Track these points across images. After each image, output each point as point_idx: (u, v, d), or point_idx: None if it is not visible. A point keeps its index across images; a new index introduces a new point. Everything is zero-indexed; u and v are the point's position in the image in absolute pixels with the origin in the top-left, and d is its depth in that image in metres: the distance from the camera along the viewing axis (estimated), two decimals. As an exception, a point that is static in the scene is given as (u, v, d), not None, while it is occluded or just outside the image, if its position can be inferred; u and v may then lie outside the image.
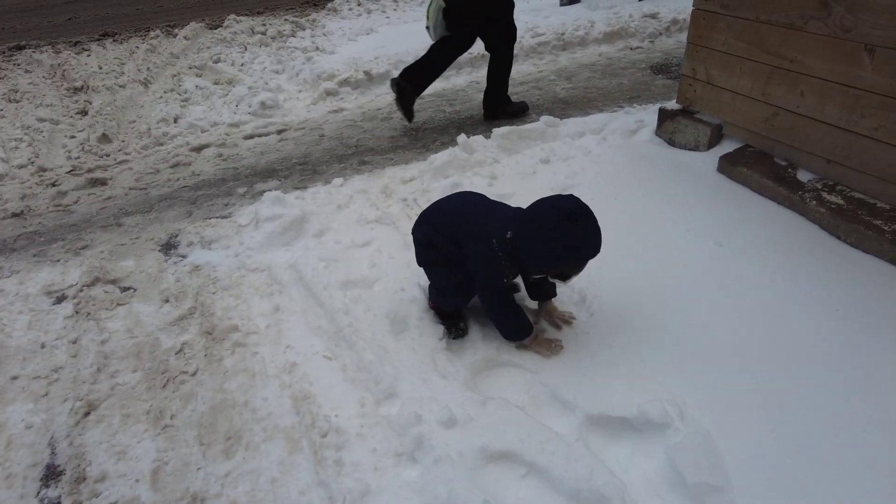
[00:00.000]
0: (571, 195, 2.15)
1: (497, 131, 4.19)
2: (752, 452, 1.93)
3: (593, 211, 2.13)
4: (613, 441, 2.05)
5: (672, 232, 3.05)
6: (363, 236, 3.21)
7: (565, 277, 2.20)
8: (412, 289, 2.72)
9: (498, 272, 2.26)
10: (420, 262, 2.54)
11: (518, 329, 2.35)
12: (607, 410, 2.08)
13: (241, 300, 2.89)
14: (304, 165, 4.43)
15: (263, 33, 7.80)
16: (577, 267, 2.15)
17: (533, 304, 2.60)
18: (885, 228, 2.77)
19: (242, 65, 6.71)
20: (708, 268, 2.76)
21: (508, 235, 2.16)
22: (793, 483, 1.84)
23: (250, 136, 4.98)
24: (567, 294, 2.64)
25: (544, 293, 2.51)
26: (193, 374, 2.47)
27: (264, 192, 4.01)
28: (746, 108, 3.45)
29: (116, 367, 2.53)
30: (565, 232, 2.03)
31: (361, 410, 2.18)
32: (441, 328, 2.49)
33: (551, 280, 2.35)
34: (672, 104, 3.97)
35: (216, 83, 6.26)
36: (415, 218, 3.49)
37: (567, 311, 2.56)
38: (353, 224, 3.35)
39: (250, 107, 5.37)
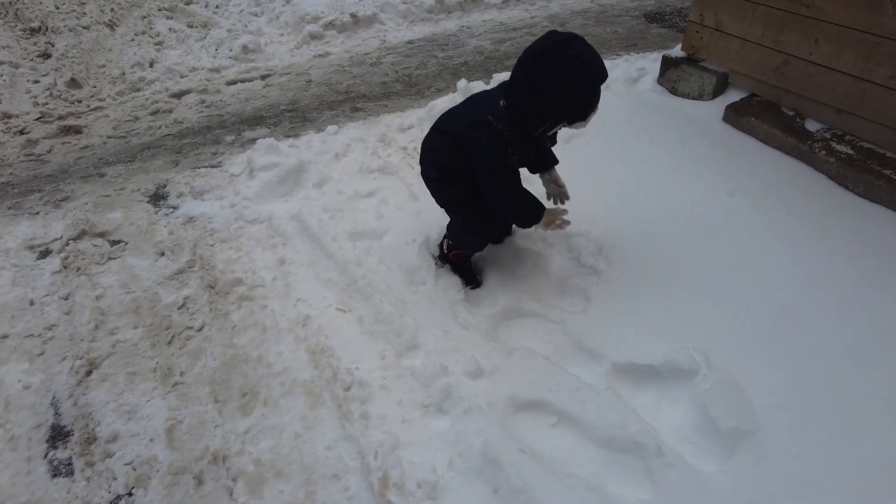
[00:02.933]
0: (548, 31, 1.95)
1: (498, 76, 4.04)
2: (778, 398, 1.94)
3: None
4: (640, 389, 2.05)
5: (684, 182, 3.00)
6: (366, 186, 3.09)
7: (585, 115, 1.97)
8: (423, 240, 2.64)
9: (502, 154, 2.04)
10: (439, 202, 2.40)
11: (533, 212, 2.20)
12: (634, 358, 2.07)
13: (243, 252, 2.76)
14: (293, 112, 4.22)
15: (236, -28, 7.33)
16: (592, 97, 1.93)
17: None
18: (895, 178, 2.78)
19: (217, 7, 6.30)
20: (722, 217, 2.73)
21: (502, 104, 2.02)
22: (820, 427, 1.86)
23: (233, 82, 4.72)
24: (583, 245, 2.59)
25: (547, 160, 2.38)
26: (200, 330, 2.37)
27: (254, 139, 3.83)
28: (756, 56, 3.38)
29: (115, 324, 2.41)
30: (565, 61, 1.82)
31: (383, 363, 2.12)
32: (458, 280, 2.42)
33: (571, 127, 2.04)
34: (676, 52, 3.87)
35: (190, 26, 5.89)
36: (417, 168, 3.40)
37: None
38: (354, 174, 3.21)
39: (231, 51, 5.07)
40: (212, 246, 2.82)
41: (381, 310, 2.28)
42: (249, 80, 4.75)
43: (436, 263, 2.51)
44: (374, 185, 3.10)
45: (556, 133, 2.18)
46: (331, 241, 2.65)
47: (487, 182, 2.12)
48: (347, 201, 2.95)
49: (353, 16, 5.49)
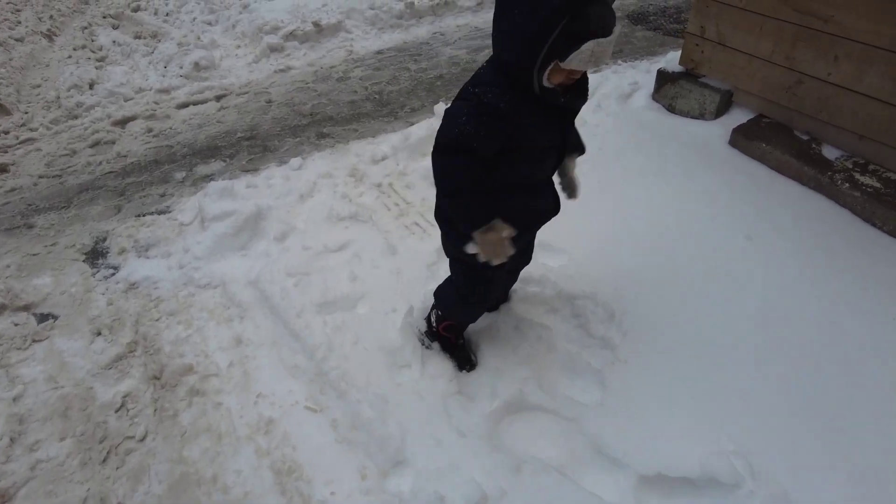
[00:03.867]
0: None
1: (477, 98, 3.66)
2: (838, 515, 1.64)
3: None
4: (673, 506, 1.71)
5: (696, 224, 2.68)
6: (336, 237, 2.70)
7: (576, 35, 1.33)
8: (406, 310, 2.26)
9: (468, 120, 1.46)
10: (447, 250, 1.93)
11: (473, 211, 1.56)
12: (664, 469, 1.74)
13: (193, 329, 2.36)
14: (251, 140, 3.79)
15: (188, -26, 6.78)
16: (599, 18, 1.34)
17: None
18: (930, 216, 2.49)
19: (167, 14, 5.78)
20: (743, 269, 2.42)
21: (484, 66, 1.55)
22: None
23: (184, 105, 4.24)
24: (590, 310, 2.25)
25: (570, 145, 1.77)
26: (142, 440, 1.97)
27: (207, 176, 3.40)
28: (765, 73, 3.06)
29: (37, 436, 1.99)
30: None
31: (364, 485, 1.75)
32: (449, 364, 2.06)
33: (569, 65, 1.38)
34: (673, 66, 3.54)
35: (138, 37, 5.37)
36: (395, 209, 3.01)
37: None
38: (322, 221, 2.81)
39: (182, 68, 4.58)
40: (157, 321, 2.41)
41: (358, 412, 1.91)
42: (203, 102, 4.28)
43: (422, 342, 2.13)
44: (346, 236, 2.70)
45: (572, 88, 1.51)
46: (296, 316, 2.25)
47: (433, 151, 1.55)
48: (314, 259, 2.55)
49: (315, 24, 5.03)
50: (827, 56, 2.76)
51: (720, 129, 3.26)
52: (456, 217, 1.68)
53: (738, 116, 3.27)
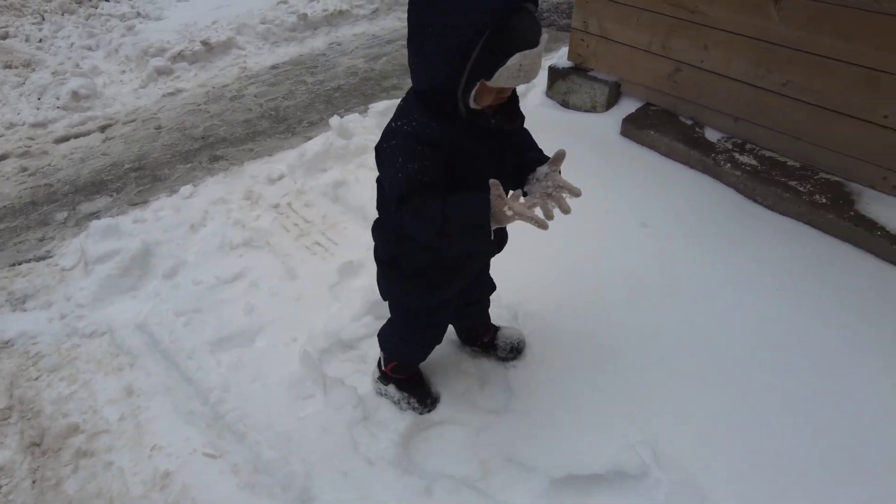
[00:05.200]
0: None
1: (375, 107, 3.61)
2: (737, 489, 1.69)
3: None
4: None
5: (592, 213, 2.71)
6: (230, 268, 2.56)
7: (501, 49, 1.20)
8: (306, 338, 2.17)
9: (405, 157, 1.33)
10: (383, 294, 1.74)
11: (473, 209, 1.32)
12: (574, 469, 1.74)
13: (79, 384, 2.17)
14: (140, 171, 3.57)
15: (64, -4, 6.35)
16: (523, 28, 1.20)
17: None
18: (802, 189, 2.64)
19: (41, 41, 5.37)
20: (640, 257, 2.48)
21: (405, 97, 1.42)
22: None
23: (64, 139, 3.95)
24: (495, 312, 2.23)
25: (527, 162, 1.51)
26: (19, 518, 1.78)
27: (92, 214, 3.17)
28: (646, 63, 3.16)
29: None
30: None
31: (269, 531, 1.65)
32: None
33: (494, 83, 1.25)
34: (562, 61, 3.61)
35: (7, 67, 4.95)
36: (295, 230, 2.90)
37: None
38: (214, 252, 2.67)
39: (59, 99, 4.26)
40: (36, 380, 2.21)
41: (259, 454, 1.80)
42: (85, 135, 3.99)
43: (376, 391, 1.98)
44: (240, 264, 2.58)
45: (502, 107, 1.38)
46: (187, 358, 2.12)
47: (395, 211, 1.38)
48: (207, 294, 2.42)
49: (205, 43, 4.82)
50: (698, 45, 2.89)
51: (612, 120, 3.35)
52: (466, 248, 1.51)
53: (627, 107, 3.37)
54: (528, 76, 1.26)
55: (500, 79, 1.23)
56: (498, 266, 1.88)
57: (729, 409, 1.89)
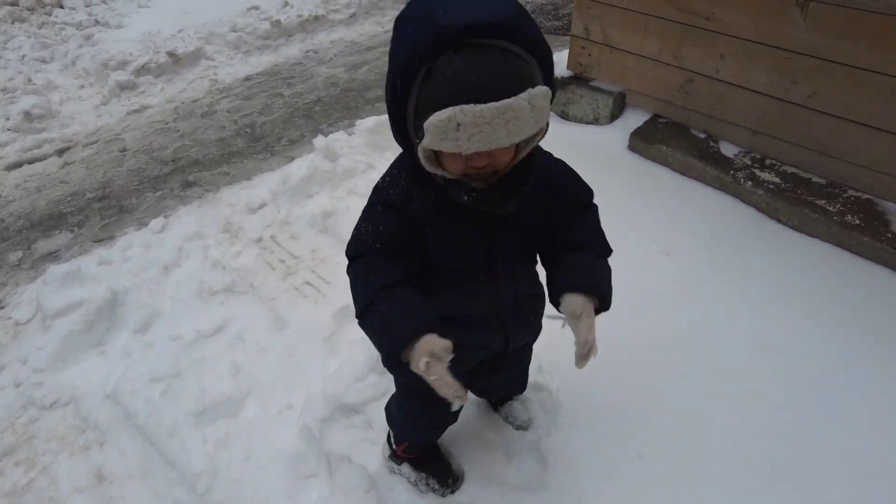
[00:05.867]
0: None
1: (362, 124, 3.33)
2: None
3: None
4: None
5: (608, 236, 2.50)
6: (211, 318, 2.28)
7: (423, 111, 0.93)
8: (303, 404, 1.90)
9: (368, 217, 1.16)
10: (389, 366, 1.43)
11: (391, 331, 1.07)
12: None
13: (38, 470, 1.87)
14: (104, 201, 3.24)
15: (15, 3, 5.90)
16: (408, 61, 0.91)
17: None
18: (831, 209, 2.46)
19: (-12, 53, 4.96)
20: (668, 292, 2.26)
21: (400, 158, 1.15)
22: None
23: (16, 165, 3.59)
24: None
25: (568, 273, 1.19)
26: None
27: (51, 254, 2.85)
28: (655, 73, 2.95)
29: None
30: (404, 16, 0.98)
31: None
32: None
33: (430, 147, 0.94)
34: (561, 70, 3.38)
35: (-49, 84, 4.54)
36: (281, 268, 2.60)
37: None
38: (192, 299, 2.38)
39: (8, 119, 3.89)
40: (-13, 465, 1.90)
41: (257, 558, 1.54)
42: (40, 160, 3.64)
43: (389, 469, 1.73)
44: (222, 314, 2.29)
45: (497, 185, 1.05)
46: (168, 437, 1.83)
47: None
48: (186, 352, 2.13)
49: (171, 54, 4.47)
50: (713, 53, 2.68)
51: (618, 133, 3.13)
52: (371, 338, 1.15)
53: (633, 119, 3.15)
54: (484, 142, 0.89)
55: (432, 139, 0.91)
56: None
57: (775, 465, 1.69)
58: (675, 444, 1.76)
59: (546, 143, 3.40)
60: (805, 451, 1.74)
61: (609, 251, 1.27)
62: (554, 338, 2.06)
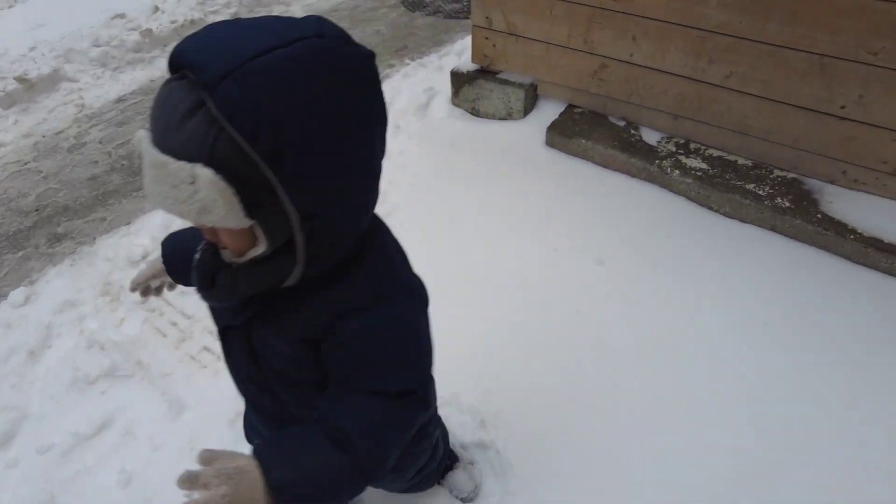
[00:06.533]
0: None
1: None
2: None
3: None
4: None
5: (538, 251, 2.31)
6: (92, 415, 1.89)
7: None
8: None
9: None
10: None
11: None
12: None
13: None
14: (-47, 270, 2.72)
15: None
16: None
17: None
18: (761, 193, 2.36)
19: None
20: (605, 307, 2.09)
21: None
22: None
23: None
24: (457, 419, 1.76)
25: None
26: None
27: None
28: (566, 61, 2.74)
29: None
30: None
31: None
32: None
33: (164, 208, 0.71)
34: (467, 63, 3.12)
35: None
36: (174, 332, 2.21)
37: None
38: (66, 392, 1.98)
39: None
40: None
41: None
42: None
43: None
44: (105, 406, 1.92)
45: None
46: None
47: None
48: (60, 466, 1.75)
49: (21, 79, 3.85)
50: (625, 36, 2.50)
51: (533, 128, 2.92)
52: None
53: (548, 111, 2.95)
54: (148, 195, 0.70)
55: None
56: (445, 348, 1.40)
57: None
58: (645, 482, 1.59)
59: (459, 145, 3.12)
60: (769, 465, 1.61)
61: (366, 471, 0.82)
62: (494, 383, 1.86)
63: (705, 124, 2.51)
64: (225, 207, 0.66)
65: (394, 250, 0.92)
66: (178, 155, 0.64)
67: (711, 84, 2.40)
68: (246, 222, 0.69)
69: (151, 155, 0.67)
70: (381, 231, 0.92)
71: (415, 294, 0.91)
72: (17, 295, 2.44)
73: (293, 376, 0.93)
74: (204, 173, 0.64)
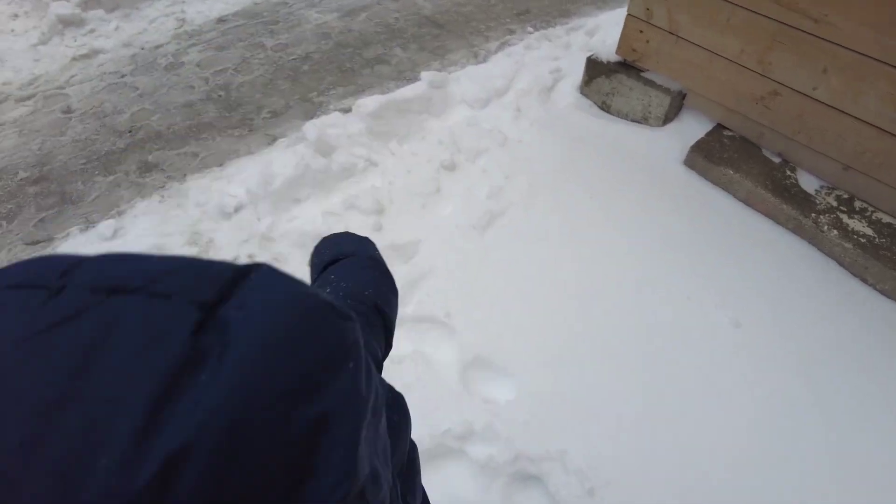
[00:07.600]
0: None
1: (362, 105, 2.74)
2: None
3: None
4: None
5: (668, 297, 2.06)
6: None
7: None
8: None
9: None
10: None
11: None
12: None
13: None
14: (41, 183, 2.63)
15: None
16: None
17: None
18: (935, 276, 2.04)
19: None
20: (740, 380, 1.85)
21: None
22: None
23: (-70, 123, 2.91)
24: (560, 479, 1.59)
25: None
26: None
27: (-29, 260, 2.27)
28: (730, 77, 2.40)
29: None
30: None
31: None
32: None
33: None
34: (608, 53, 2.80)
35: None
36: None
37: None
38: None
39: (-79, 58, 3.15)
40: None
41: None
42: (-40, 117, 2.96)
43: None
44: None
45: None
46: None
47: None
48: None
49: (127, -19, 3.68)
50: (814, 65, 2.14)
51: (672, 141, 2.62)
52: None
53: (691, 125, 2.64)
54: None
55: None
56: (552, 396, 1.21)
57: None
58: None
59: (585, 142, 2.82)
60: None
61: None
62: (609, 446, 1.67)
63: (882, 184, 2.17)
64: None
65: None
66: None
67: (907, 141, 2.05)
68: None
69: None
70: None
71: None
72: (105, 227, 2.34)
73: None
74: None
